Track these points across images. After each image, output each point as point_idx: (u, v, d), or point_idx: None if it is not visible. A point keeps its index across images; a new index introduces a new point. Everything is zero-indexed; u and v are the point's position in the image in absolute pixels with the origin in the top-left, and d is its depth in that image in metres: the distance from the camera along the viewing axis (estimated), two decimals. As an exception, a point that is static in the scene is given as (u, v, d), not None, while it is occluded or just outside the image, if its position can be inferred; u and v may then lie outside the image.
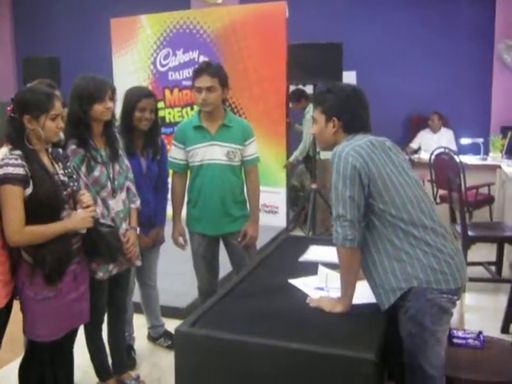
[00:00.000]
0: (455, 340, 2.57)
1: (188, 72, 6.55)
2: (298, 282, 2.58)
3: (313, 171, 5.96)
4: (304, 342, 1.97)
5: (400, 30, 7.72)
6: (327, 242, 3.38)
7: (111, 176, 2.89)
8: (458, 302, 2.26)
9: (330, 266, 2.70)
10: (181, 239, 3.46)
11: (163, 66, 6.99)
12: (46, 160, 2.51)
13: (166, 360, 3.56)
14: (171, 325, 3.81)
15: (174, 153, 3.38)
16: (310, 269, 2.74)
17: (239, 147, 3.33)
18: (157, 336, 3.79)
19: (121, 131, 3.20)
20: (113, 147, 2.93)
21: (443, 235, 2.24)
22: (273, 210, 6.59)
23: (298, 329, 2.13)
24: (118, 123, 3.17)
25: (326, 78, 5.36)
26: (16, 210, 2.34)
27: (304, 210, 6.49)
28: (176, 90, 6.92)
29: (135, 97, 3.23)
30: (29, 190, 2.37)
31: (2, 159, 2.39)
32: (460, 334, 2.58)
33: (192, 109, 6.63)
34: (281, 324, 2.17)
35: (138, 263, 3.12)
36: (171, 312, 4.02)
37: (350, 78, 7.20)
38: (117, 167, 2.93)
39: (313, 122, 2.45)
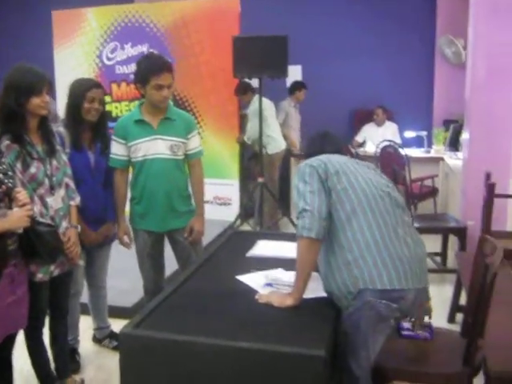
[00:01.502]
0: (404, 332, 2.56)
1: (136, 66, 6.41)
2: (245, 279, 2.53)
3: (259, 166, 5.92)
4: (253, 340, 1.93)
5: (345, 25, 7.77)
6: (275, 236, 3.37)
7: (49, 172, 2.76)
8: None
9: (279, 260, 2.67)
10: (126, 238, 3.36)
11: (110, 59, 6.84)
12: None
13: (112, 362, 3.44)
14: (117, 325, 3.72)
15: (115, 148, 3.26)
16: (258, 264, 2.70)
17: (183, 140, 3.25)
18: (102, 337, 3.68)
19: (67, 125, 3.09)
20: (49, 142, 2.79)
21: (405, 240, 2.22)
22: (226, 202, 6.59)
23: (247, 327, 2.08)
24: (61, 117, 3.05)
25: (271, 72, 5.34)
26: None
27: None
28: (124, 84, 6.79)
29: (83, 87, 3.12)
30: None
31: None
32: (409, 325, 2.58)
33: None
34: (229, 322, 2.11)
35: (81, 263, 3.01)
36: (117, 312, 3.90)
37: (295, 72, 7.23)
38: (54, 163, 2.80)
39: None
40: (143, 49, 6.65)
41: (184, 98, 6.48)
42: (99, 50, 6.89)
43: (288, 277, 2.46)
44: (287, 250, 2.88)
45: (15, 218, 2.38)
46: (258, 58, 5.30)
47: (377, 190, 2.26)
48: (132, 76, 6.43)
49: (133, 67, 6.46)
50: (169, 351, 1.98)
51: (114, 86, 6.83)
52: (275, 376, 1.87)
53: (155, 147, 3.19)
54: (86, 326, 3.69)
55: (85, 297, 3.55)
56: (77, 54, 6.96)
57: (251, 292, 2.38)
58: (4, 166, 2.46)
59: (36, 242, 2.48)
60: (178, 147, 3.23)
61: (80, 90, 3.12)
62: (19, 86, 2.62)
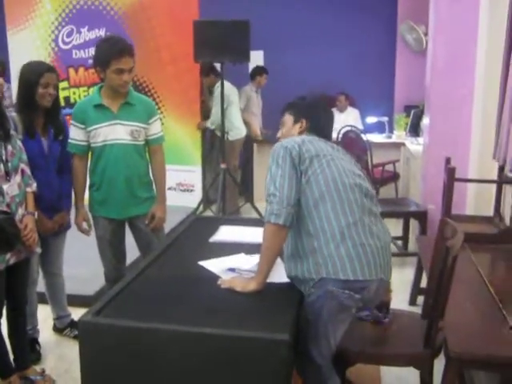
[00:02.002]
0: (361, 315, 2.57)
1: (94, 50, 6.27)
2: (208, 264, 2.51)
3: (221, 151, 5.88)
4: (216, 326, 1.91)
5: (307, 11, 7.74)
6: (237, 221, 3.35)
7: (4, 158, 2.67)
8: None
9: (242, 245, 2.66)
10: (85, 224, 3.29)
11: (66, 43, 6.67)
12: None
13: (73, 351, 3.35)
14: (78, 313, 3.61)
15: (74, 133, 3.18)
16: (221, 250, 2.68)
17: (143, 126, 3.19)
18: (63, 327, 3.62)
19: (19, 110, 2.99)
20: (3, 127, 2.70)
21: (370, 230, 2.20)
22: (188, 188, 6.55)
23: (210, 313, 2.06)
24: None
25: (233, 57, 5.29)
26: None
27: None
28: (81, 69, 6.64)
29: (36, 72, 3.01)
30: None
31: None
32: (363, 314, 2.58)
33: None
34: (192, 309, 2.09)
35: (38, 250, 2.94)
36: (78, 300, 3.83)
37: (257, 57, 7.19)
38: (9, 148, 2.72)
39: (281, 126, 2.53)
40: (100, 33, 6.50)
41: (144, 83, 6.37)
42: (54, 34, 6.70)
43: (250, 262, 2.45)
44: (250, 235, 2.88)
45: None
46: (220, 43, 5.23)
47: (347, 179, 2.23)
48: (90, 61, 6.42)
49: (91, 52, 6.39)
50: (130, 339, 1.95)
51: (72, 71, 6.68)
52: (239, 362, 1.86)
53: (115, 132, 3.12)
54: (45, 316, 3.62)
55: (41, 286, 3.47)
56: (32, 37, 6.76)
57: (214, 278, 2.36)
58: None
59: None
60: (139, 132, 3.17)
61: (33, 75, 3.01)
62: None
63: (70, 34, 6.64)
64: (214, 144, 6.89)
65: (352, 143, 5.99)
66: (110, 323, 1.98)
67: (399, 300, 3.92)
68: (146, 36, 6.31)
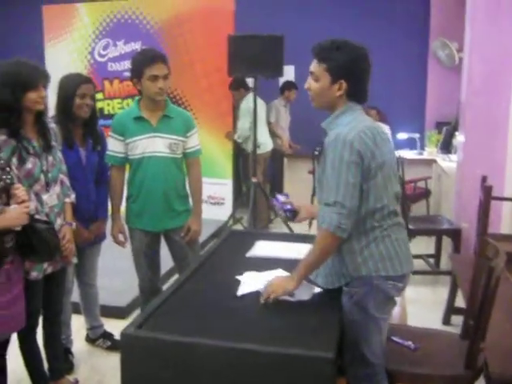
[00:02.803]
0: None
1: (130, 63, 6.35)
2: (245, 278, 2.49)
3: (252, 165, 5.89)
4: (258, 341, 1.89)
5: (339, 26, 7.72)
6: (272, 236, 3.34)
7: (44, 168, 2.71)
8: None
9: (279, 261, 2.64)
10: (121, 236, 3.30)
11: (102, 56, 6.79)
12: None
13: (106, 362, 3.42)
14: (110, 324, 3.69)
15: (112, 145, 3.21)
16: (258, 265, 2.67)
17: (182, 139, 3.20)
18: (95, 337, 3.63)
19: (58, 121, 3.03)
20: (45, 138, 2.74)
21: (399, 223, 2.25)
22: (219, 201, 6.57)
23: (251, 328, 2.05)
24: (52, 113, 3.00)
25: (266, 71, 5.31)
26: None
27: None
28: (116, 82, 6.74)
29: (74, 83, 3.07)
30: None
31: None
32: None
33: (133, 100, 6.44)
34: (232, 323, 2.08)
35: (74, 260, 2.96)
36: (110, 311, 3.87)
37: (288, 71, 7.20)
38: (50, 159, 2.76)
39: (310, 75, 2.25)
40: (136, 46, 6.60)
41: (178, 96, 6.45)
42: (91, 46, 6.83)
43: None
44: (286, 250, 2.87)
45: (14, 215, 2.33)
46: (254, 58, 5.25)
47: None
48: (125, 73, 6.51)
49: (126, 64, 6.48)
50: (171, 353, 1.94)
51: (107, 83, 6.78)
52: (282, 379, 1.84)
53: (153, 145, 3.14)
54: (78, 326, 3.64)
55: (75, 296, 3.49)
56: (69, 50, 6.90)
57: (253, 292, 2.34)
58: (2, 162, 2.41)
59: (34, 239, 2.43)
60: (177, 145, 3.19)
61: (71, 86, 3.07)
62: (15, 81, 2.57)
63: (106, 47, 6.75)
64: (240, 158, 6.91)
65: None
66: (151, 337, 1.97)
67: (432, 319, 3.88)
68: (181, 50, 6.38)
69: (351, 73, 2.18)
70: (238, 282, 2.45)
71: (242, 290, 2.37)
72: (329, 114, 2.27)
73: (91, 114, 3.14)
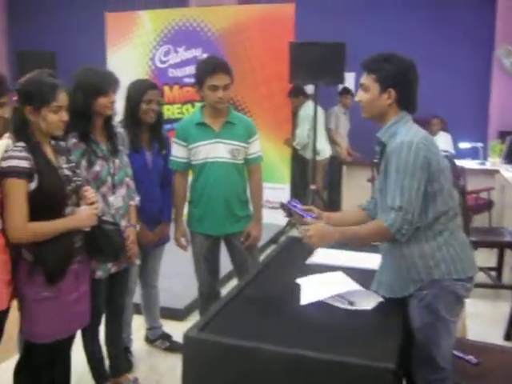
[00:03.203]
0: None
1: (190, 69, 6.48)
2: (306, 282, 2.49)
3: (311, 172, 5.89)
4: (317, 349, 1.89)
5: (401, 33, 7.67)
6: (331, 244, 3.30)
7: (112, 171, 2.81)
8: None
9: (339, 269, 2.63)
10: (183, 240, 3.36)
11: (163, 62, 6.92)
12: (49, 153, 2.41)
13: (164, 363, 3.48)
14: (169, 326, 3.75)
15: (176, 151, 3.27)
16: (318, 272, 2.66)
17: (243, 145, 3.24)
18: (154, 338, 3.70)
19: (125, 125, 3.12)
20: (113, 142, 2.85)
21: (460, 225, 2.29)
22: (276, 206, 6.56)
23: (310, 335, 2.05)
24: (119, 118, 3.09)
25: (327, 79, 5.31)
26: (19, 206, 2.23)
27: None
28: (176, 87, 6.86)
29: (141, 89, 3.16)
30: (33, 185, 2.26)
31: (6, 151, 2.29)
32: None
33: (193, 106, 6.59)
34: (292, 330, 2.09)
35: (137, 262, 3.03)
36: (168, 313, 3.94)
37: (349, 79, 7.15)
38: (117, 162, 2.85)
39: (360, 88, 2.33)
40: (197, 52, 6.71)
41: (238, 102, 6.51)
42: (152, 52, 6.97)
43: (348, 283, 2.44)
44: (346, 259, 2.86)
45: (84, 217, 2.41)
46: (315, 65, 5.27)
47: (454, 190, 2.27)
48: (185, 79, 6.63)
49: (186, 71, 6.61)
50: (231, 356, 1.97)
51: (167, 89, 6.90)
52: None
53: (216, 151, 3.18)
54: (138, 326, 3.72)
55: (137, 297, 3.57)
56: (130, 56, 7.06)
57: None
58: (73, 164, 2.50)
59: (101, 240, 2.51)
60: (239, 151, 3.22)
61: (138, 92, 3.16)
62: (87, 87, 2.68)
63: (167, 54, 6.88)
64: (298, 164, 6.91)
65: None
66: (213, 340, 2.00)
67: (493, 335, 3.77)
68: (241, 57, 6.44)
69: (399, 82, 2.23)
70: (298, 288, 2.45)
71: (304, 298, 2.36)
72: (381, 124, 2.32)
73: (157, 118, 3.22)
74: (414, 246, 2.19)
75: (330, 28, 6.96)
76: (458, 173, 5.65)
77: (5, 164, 2.24)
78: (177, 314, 3.99)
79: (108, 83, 2.73)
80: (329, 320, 2.19)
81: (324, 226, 2.27)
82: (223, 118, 3.22)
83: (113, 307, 3.05)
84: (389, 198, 2.15)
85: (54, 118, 2.34)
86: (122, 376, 3.14)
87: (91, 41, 7.95)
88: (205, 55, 6.40)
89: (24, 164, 2.24)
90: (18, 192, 2.23)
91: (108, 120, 2.84)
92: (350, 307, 2.27)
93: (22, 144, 2.29)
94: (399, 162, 2.11)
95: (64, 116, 2.38)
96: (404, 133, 2.20)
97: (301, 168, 6.85)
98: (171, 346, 3.61)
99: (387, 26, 7.67)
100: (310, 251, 2.87)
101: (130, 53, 7.06)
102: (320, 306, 2.28)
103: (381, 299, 2.30)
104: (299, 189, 6.85)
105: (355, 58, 6.58)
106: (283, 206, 2.49)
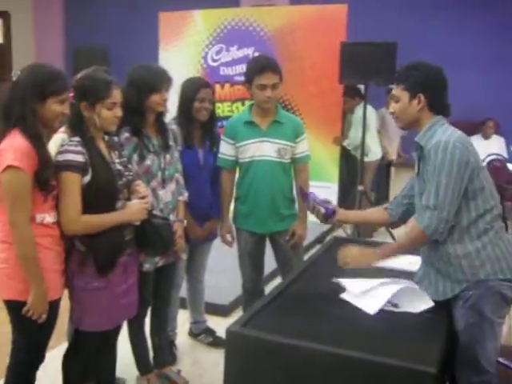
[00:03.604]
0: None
1: (241, 68, 6.52)
2: (347, 283, 2.49)
3: (359, 173, 5.84)
4: (358, 349, 1.89)
5: (456, 33, 7.53)
6: (376, 245, 3.28)
7: (162, 166, 2.87)
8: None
9: (383, 271, 2.61)
10: (229, 236, 3.39)
11: (215, 61, 6.98)
12: (103, 148, 2.47)
13: (208, 357, 3.52)
14: (213, 321, 3.79)
15: (224, 149, 3.30)
16: (362, 273, 2.65)
17: (290, 144, 3.24)
18: (198, 332, 3.75)
19: (179, 122, 3.18)
20: (164, 137, 2.91)
21: (503, 226, 2.27)
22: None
23: (352, 335, 2.06)
24: (172, 115, 3.15)
25: (378, 79, 5.25)
26: (73, 199, 2.30)
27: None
28: (227, 85, 6.91)
29: (194, 87, 3.21)
30: (87, 178, 2.33)
31: (62, 145, 2.37)
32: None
33: (243, 104, 6.62)
34: (334, 329, 2.10)
35: (184, 256, 3.10)
36: (213, 309, 3.98)
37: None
38: (168, 157, 2.91)
39: (391, 100, 2.39)
40: (249, 51, 6.74)
41: (287, 101, 6.51)
42: (204, 51, 7.03)
43: (387, 290, 2.41)
44: (391, 260, 2.83)
45: (134, 210, 2.47)
46: (366, 65, 5.22)
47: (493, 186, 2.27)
48: (236, 78, 6.68)
49: (237, 69, 6.64)
50: (273, 353, 1.99)
51: (218, 87, 6.93)
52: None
53: (262, 149, 3.20)
54: (183, 320, 3.76)
55: (183, 291, 3.62)
56: (182, 54, 7.13)
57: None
58: (125, 159, 2.57)
59: (151, 234, 2.56)
60: (286, 150, 3.23)
61: (191, 90, 3.21)
62: (140, 84, 2.75)
63: (218, 52, 6.94)
64: (347, 164, 6.86)
65: (497, 172, 5.72)
66: (255, 336, 2.03)
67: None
68: (292, 56, 6.43)
69: (428, 87, 2.27)
70: (341, 288, 2.46)
71: (349, 297, 2.37)
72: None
73: (210, 116, 3.26)
74: (458, 245, 2.20)
75: (382, 28, 6.90)
76: (510, 177, 5.53)
77: (61, 158, 2.31)
78: (221, 310, 4.03)
79: (161, 81, 2.79)
80: (371, 321, 2.19)
81: (359, 251, 2.40)
82: (271, 117, 3.24)
83: (159, 300, 3.12)
84: (424, 196, 2.19)
85: (109, 114, 2.41)
86: (165, 367, 3.21)
87: (143, 39, 8.10)
88: (256, 54, 6.46)
89: (79, 158, 2.31)
90: (73, 185, 2.30)
91: (160, 116, 2.91)
92: (394, 309, 2.26)
93: (77, 139, 2.36)
94: (436, 161, 2.14)
95: (118, 112, 2.44)
96: (441, 133, 2.22)
97: (350, 168, 6.80)
98: (215, 341, 3.64)
99: (439, 25, 7.54)
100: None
101: (182, 51, 7.14)
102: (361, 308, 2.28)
103: (430, 304, 2.27)
104: (347, 189, 6.81)
105: (407, 57, 6.54)
106: (303, 195, 2.56)
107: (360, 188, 5.71)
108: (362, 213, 2.77)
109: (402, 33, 6.84)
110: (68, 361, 2.62)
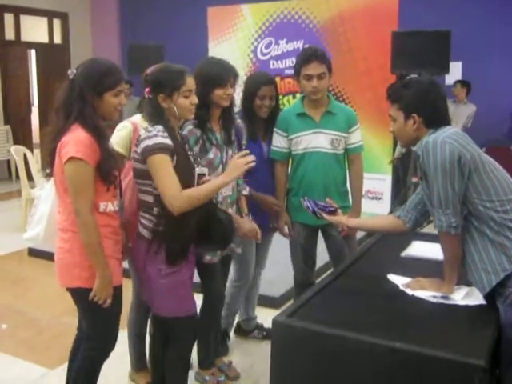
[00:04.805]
0: None
1: (291, 61, 6.52)
2: (397, 280, 2.47)
3: (413, 164, 5.76)
4: (406, 341, 1.87)
5: (509, 21, 7.28)
6: (429, 237, 3.24)
7: (224, 160, 2.89)
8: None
9: (434, 263, 2.58)
10: (286, 228, 3.38)
11: (264, 54, 7.00)
12: (179, 139, 2.54)
13: (259, 348, 3.54)
14: (263, 313, 3.79)
15: (277, 141, 3.30)
16: (413, 265, 2.63)
17: (343, 135, 3.22)
18: (249, 328, 3.74)
19: (242, 116, 3.22)
20: (228, 132, 2.94)
21: None
22: (377, 196, 6.53)
23: (400, 327, 2.04)
24: (237, 109, 3.20)
25: (431, 68, 5.15)
26: (172, 177, 2.34)
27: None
28: (278, 79, 6.90)
29: (255, 84, 3.23)
30: (173, 164, 2.38)
31: (149, 130, 2.41)
32: None
33: (294, 97, 6.62)
34: (381, 321, 2.08)
35: (239, 251, 3.09)
36: (264, 301, 3.99)
37: (455, 68, 6.93)
38: (230, 152, 2.94)
39: (390, 119, 2.38)
40: (298, 44, 6.72)
41: (339, 93, 6.48)
42: (253, 45, 7.05)
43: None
44: (426, 250, 2.83)
45: (231, 168, 2.48)
46: (418, 54, 5.14)
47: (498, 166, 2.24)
48: (286, 71, 6.67)
49: (287, 62, 6.63)
50: (319, 343, 1.99)
51: (268, 81, 6.96)
52: (427, 381, 1.82)
53: (316, 140, 3.19)
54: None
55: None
56: (231, 48, 7.19)
57: (404, 292, 2.34)
58: (194, 153, 2.62)
59: (213, 227, 2.55)
60: (339, 141, 3.21)
61: (252, 87, 3.23)
62: (205, 77, 2.77)
63: (268, 46, 6.94)
64: (403, 155, 6.75)
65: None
66: (301, 326, 2.03)
67: None
68: (343, 47, 6.41)
69: (420, 105, 2.26)
70: (390, 281, 2.45)
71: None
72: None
73: (273, 111, 3.27)
74: (494, 237, 2.15)
75: (435, 15, 6.75)
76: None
77: (150, 142, 2.36)
78: (272, 302, 4.04)
79: (226, 76, 2.82)
80: (420, 312, 2.17)
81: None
82: (323, 107, 3.22)
83: (213, 293, 3.08)
84: (430, 198, 2.23)
85: (186, 101, 2.47)
86: (217, 359, 3.25)
87: (195, 34, 8.20)
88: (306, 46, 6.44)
89: (168, 142, 2.38)
90: (168, 165, 2.35)
91: (225, 111, 2.92)
92: (443, 301, 2.24)
93: (159, 127, 2.42)
94: (429, 162, 2.15)
95: (194, 99, 2.50)
96: (433, 135, 2.21)
97: (405, 159, 6.71)
98: (268, 335, 3.63)
99: (496, 11, 7.30)
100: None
101: (231, 45, 7.20)
102: (411, 298, 2.28)
103: (480, 298, 2.23)
104: (401, 180, 6.73)
105: (461, 46, 6.40)
106: (306, 205, 2.69)
107: (414, 180, 5.63)
108: (370, 220, 2.75)
109: (455, 21, 6.70)
110: (168, 352, 2.66)
